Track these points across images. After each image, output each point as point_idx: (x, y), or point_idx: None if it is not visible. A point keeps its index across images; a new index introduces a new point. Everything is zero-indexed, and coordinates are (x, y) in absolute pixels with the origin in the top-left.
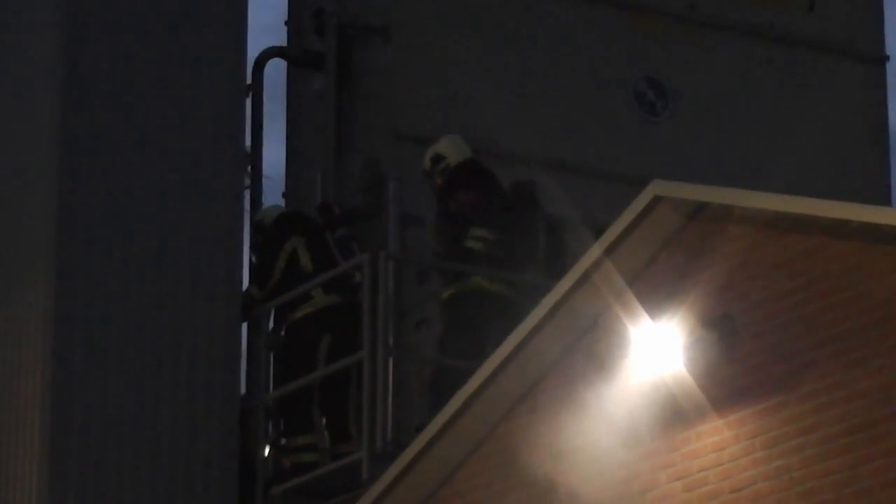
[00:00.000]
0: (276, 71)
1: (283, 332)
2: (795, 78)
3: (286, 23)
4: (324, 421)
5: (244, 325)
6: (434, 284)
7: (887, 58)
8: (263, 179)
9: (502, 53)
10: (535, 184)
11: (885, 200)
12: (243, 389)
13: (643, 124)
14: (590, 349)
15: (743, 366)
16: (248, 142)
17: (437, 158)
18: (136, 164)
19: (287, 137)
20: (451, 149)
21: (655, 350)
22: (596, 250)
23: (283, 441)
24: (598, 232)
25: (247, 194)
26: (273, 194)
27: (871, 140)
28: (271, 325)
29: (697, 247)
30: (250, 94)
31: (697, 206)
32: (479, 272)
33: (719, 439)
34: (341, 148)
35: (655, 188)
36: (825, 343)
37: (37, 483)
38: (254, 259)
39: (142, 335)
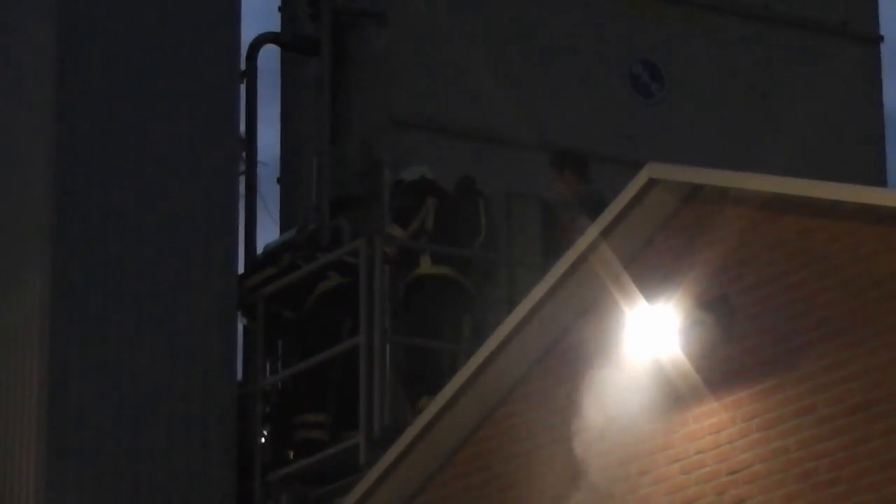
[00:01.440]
0: (270, 57)
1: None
2: (790, 59)
3: (280, 8)
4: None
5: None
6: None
7: (882, 38)
8: (258, 165)
9: (497, 38)
10: (474, 179)
11: (880, 181)
12: (240, 375)
13: (638, 107)
14: (586, 332)
15: (739, 347)
16: (242, 128)
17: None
18: (131, 152)
19: (282, 123)
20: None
21: (652, 332)
22: (592, 233)
23: (292, 418)
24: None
25: (242, 180)
26: (268, 180)
27: (866, 120)
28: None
29: (693, 229)
30: (245, 80)
31: (693, 188)
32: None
33: (716, 421)
34: (336, 134)
35: (651, 171)
36: (822, 324)
37: (34, 472)
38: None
39: (138, 322)
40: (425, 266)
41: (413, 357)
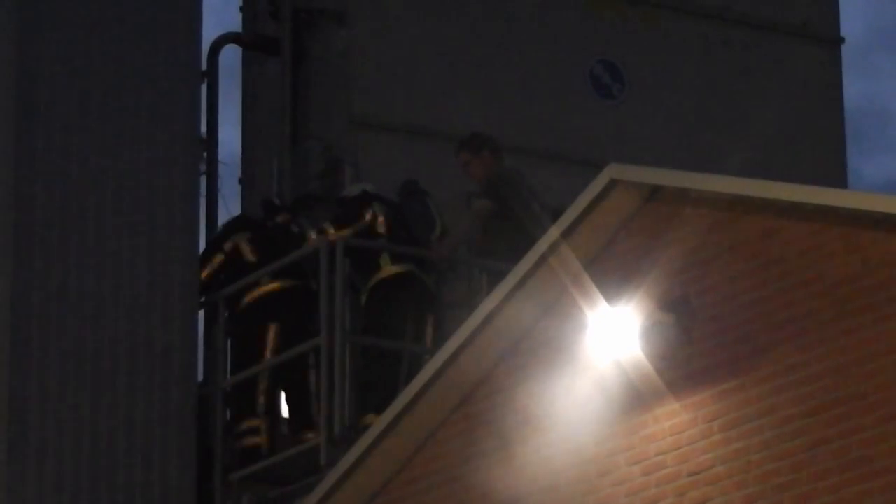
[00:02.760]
0: (231, 56)
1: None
2: (751, 60)
3: (241, 8)
4: (283, 406)
5: (201, 312)
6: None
7: (842, 40)
8: (219, 165)
9: (458, 38)
10: (416, 181)
11: (841, 182)
12: (201, 376)
13: (599, 107)
14: (546, 333)
15: (700, 348)
16: (203, 128)
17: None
18: (90, 151)
19: (243, 123)
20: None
21: (613, 333)
22: (552, 233)
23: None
24: (556, 214)
25: (203, 180)
26: (229, 180)
27: (827, 122)
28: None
29: (654, 230)
30: (206, 80)
31: (653, 189)
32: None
33: (677, 422)
34: (297, 133)
35: (611, 171)
36: (782, 325)
37: None
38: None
39: (98, 321)
40: (386, 267)
41: (369, 365)
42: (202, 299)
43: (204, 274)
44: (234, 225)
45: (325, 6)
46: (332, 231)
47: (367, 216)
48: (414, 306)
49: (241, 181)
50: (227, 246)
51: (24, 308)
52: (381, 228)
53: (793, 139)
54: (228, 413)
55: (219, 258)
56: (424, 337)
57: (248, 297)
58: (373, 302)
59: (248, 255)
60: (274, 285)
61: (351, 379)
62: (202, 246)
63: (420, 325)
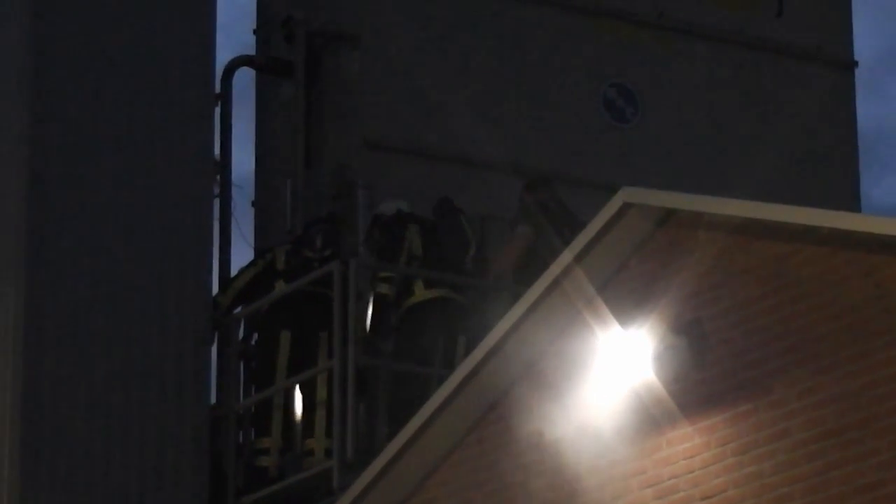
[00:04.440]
0: (245, 79)
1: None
2: (764, 83)
3: (255, 31)
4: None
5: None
6: None
7: (856, 63)
8: (233, 188)
9: (471, 61)
10: (450, 199)
11: (854, 206)
12: (215, 397)
13: (612, 131)
14: (560, 357)
15: (713, 372)
16: (217, 150)
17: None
18: (105, 174)
19: (256, 146)
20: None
21: (625, 357)
22: (566, 257)
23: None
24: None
25: (216, 203)
26: (243, 203)
27: (840, 145)
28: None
29: (667, 253)
30: (219, 103)
31: (666, 212)
32: (445, 278)
33: (690, 446)
34: (310, 156)
35: (625, 195)
36: (795, 349)
37: (7, 497)
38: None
39: (111, 344)
40: (419, 293)
41: (400, 387)
42: (215, 321)
43: (238, 282)
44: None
45: (338, 29)
46: (383, 288)
47: (406, 250)
48: (446, 329)
49: (254, 204)
50: (268, 256)
51: (37, 331)
52: (417, 251)
53: (806, 163)
54: (241, 434)
55: (256, 269)
56: (455, 358)
57: (266, 303)
58: (405, 325)
59: (280, 264)
60: (289, 290)
61: (372, 401)
62: (214, 268)
63: (452, 345)
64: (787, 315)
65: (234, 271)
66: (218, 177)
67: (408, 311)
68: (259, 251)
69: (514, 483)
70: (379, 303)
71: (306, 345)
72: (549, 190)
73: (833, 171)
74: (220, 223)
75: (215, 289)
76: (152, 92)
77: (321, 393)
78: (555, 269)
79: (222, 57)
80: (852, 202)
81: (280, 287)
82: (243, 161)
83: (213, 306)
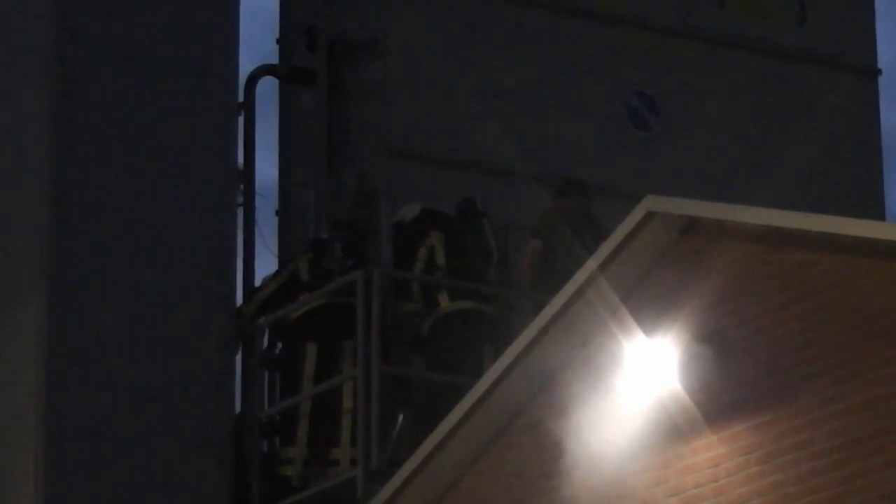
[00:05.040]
0: (268, 88)
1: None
2: (787, 91)
3: (277, 40)
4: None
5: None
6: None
7: (879, 71)
8: (256, 197)
9: (494, 69)
10: (475, 200)
11: (877, 214)
12: (239, 406)
13: (635, 139)
14: (584, 365)
15: (736, 381)
16: (240, 159)
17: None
18: (128, 183)
19: (279, 154)
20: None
21: (649, 366)
22: (590, 266)
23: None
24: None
25: (240, 212)
26: (266, 212)
27: (864, 153)
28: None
29: (690, 262)
30: (242, 112)
31: (690, 221)
32: (469, 289)
33: (714, 455)
34: (333, 164)
35: (648, 204)
36: (819, 357)
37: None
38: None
39: (135, 353)
40: (445, 304)
41: (427, 397)
42: (240, 330)
43: (262, 293)
44: (306, 248)
45: (360, 38)
46: (408, 306)
47: (423, 252)
48: (473, 339)
49: (277, 213)
50: (290, 266)
51: (60, 340)
52: (441, 261)
53: (829, 170)
54: (266, 443)
55: (280, 279)
56: (483, 367)
57: (292, 316)
58: (434, 336)
59: (303, 274)
60: (316, 303)
61: (396, 410)
62: (238, 277)
63: (478, 355)
64: (810, 324)
65: (258, 280)
66: (241, 186)
67: (435, 322)
68: (282, 262)
69: (540, 491)
70: (405, 316)
71: (331, 355)
72: (576, 195)
73: (856, 178)
74: (244, 232)
75: (239, 298)
76: (175, 101)
77: (346, 402)
78: (579, 277)
79: (245, 66)
80: (876, 209)
81: (305, 299)
82: (266, 170)
83: (237, 315)
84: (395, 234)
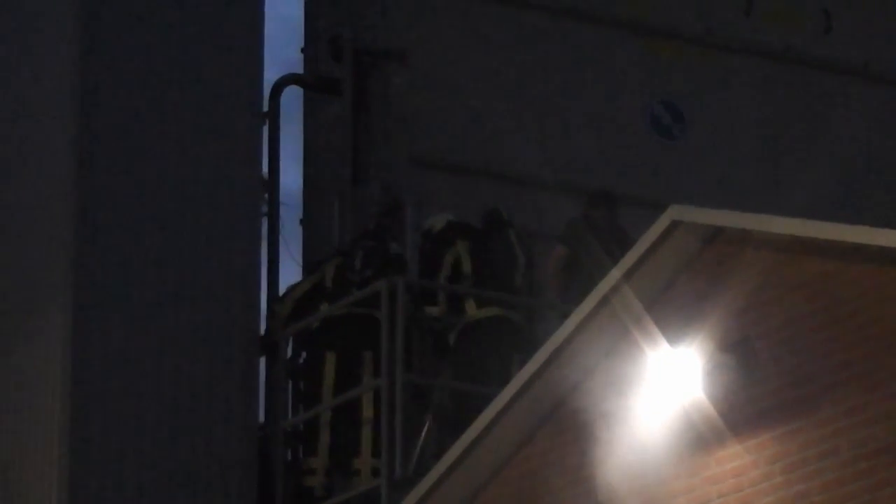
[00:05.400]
0: (292, 97)
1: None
2: (812, 100)
3: (302, 49)
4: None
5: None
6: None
7: None
8: (281, 206)
9: (519, 78)
10: (500, 210)
11: None
12: (263, 415)
13: (660, 148)
14: (609, 374)
15: (761, 390)
16: (265, 168)
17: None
18: (153, 192)
19: (304, 163)
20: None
21: (674, 375)
22: (615, 275)
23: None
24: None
25: (264, 221)
26: (291, 221)
27: (889, 161)
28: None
29: (715, 271)
30: (267, 121)
31: (715, 230)
32: (496, 297)
33: (739, 465)
34: (358, 173)
35: (673, 213)
36: (844, 367)
37: None
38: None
39: (159, 364)
40: (472, 312)
41: (456, 406)
42: (264, 339)
43: (296, 292)
44: (336, 251)
45: (386, 47)
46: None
47: (448, 259)
48: (501, 348)
49: (301, 222)
50: (320, 271)
51: (84, 350)
52: (466, 268)
53: (855, 179)
54: (290, 452)
55: (312, 281)
56: (510, 376)
57: (313, 324)
58: (461, 344)
59: (328, 282)
60: (334, 312)
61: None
62: (263, 286)
63: (506, 364)
64: (835, 333)
65: (282, 289)
66: (266, 195)
67: (462, 330)
68: (314, 263)
69: (564, 500)
70: (429, 324)
71: (351, 365)
72: (604, 207)
73: (883, 187)
74: (268, 241)
75: (264, 307)
76: (200, 111)
77: (366, 411)
78: (603, 286)
79: (270, 75)
80: None
81: (325, 308)
82: (291, 179)
83: (271, 315)
84: (423, 243)
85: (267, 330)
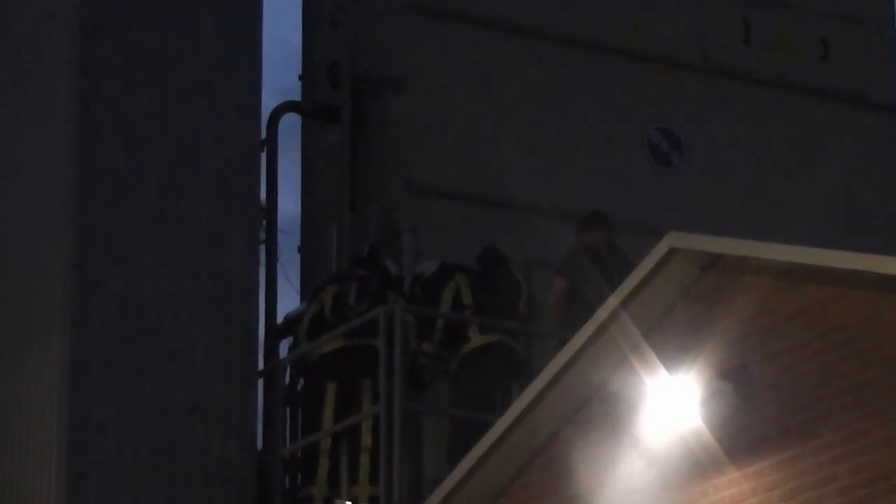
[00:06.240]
0: (290, 124)
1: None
2: (809, 127)
3: (300, 77)
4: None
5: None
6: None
7: None
8: (278, 233)
9: (516, 105)
10: (496, 247)
11: None
12: (261, 443)
13: (658, 175)
14: (606, 401)
15: (759, 417)
16: (263, 196)
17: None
18: (151, 220)
19: (302, 191)
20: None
21: (672, 402)
22: (612, 302)
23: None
24: None
25: (262, 248)
26: (289, 248)
27: (886, 189)
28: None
29: (713, 298)
30: (265, 148)
31: (712, 257)
32: (498, 325)
33: (737, 491)
34: (356, 201)
35: (671, 240)
36: (841, 394)
37: None
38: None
39: (157, 391)
40: (475, 338)
41: (458, 433)
42: (262, 367)
43: (300, 329)
44: (334, 277)
45: (383, 74)
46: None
47: (448, 294)
48: (503, 374)
49: (299, 249)
50: (319, 298)
51: (83, 378)
52: (467, 300)
53: (852, 206)
54: (288, 480)
55: (311, 311)
56: (509, 403)
57: (314, 357)
58: (463, 371)
59: (327, 312)
60: (335, 344)
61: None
62: (261, 313)
63: (507, 392)
64: (833, 360)
65: (279, 317)
66: (264, 222)
67: (464, 357)
68: (314, 290)
69: None
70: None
71: (351, 394)
72: (599, 229)
73: (880, 214)
74: (266, 268)
75: (261, 333)
76: (199, 138)
77: (365, 439)
78: (601, 313)
79: (267, 102)
80: None
81: (325, 339)
82: (289, 206)
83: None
84: (414, 287)
85: (265, 358)
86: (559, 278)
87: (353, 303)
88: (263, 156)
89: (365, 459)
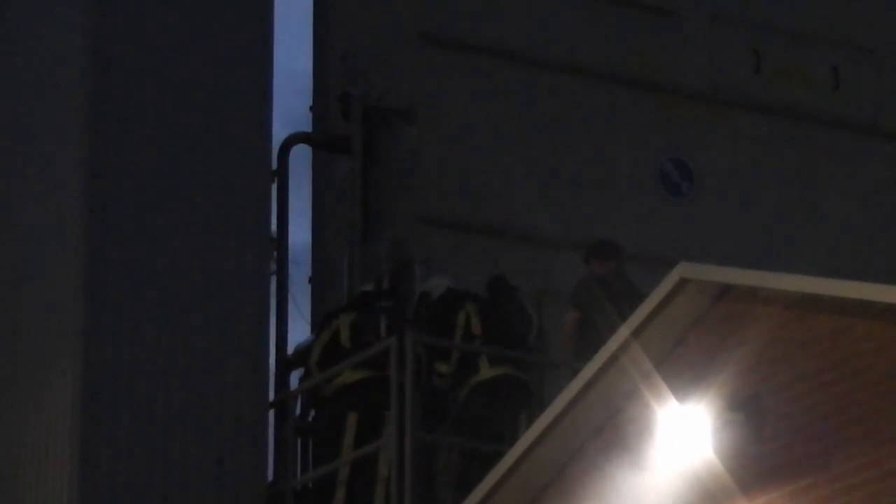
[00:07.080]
0: (301, 154)
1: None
2: (821, 157)
3: (311, 108)
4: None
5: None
6: None
7: None
8: (289, 264)
9: (527, 136)
10: (504, 276)
11: None
12: (272, 474)
13: (669, 205)
14: (617, 432)
15: (771, 447)
16: (273, 227)
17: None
18: (163, 251)
19: (313, 221)
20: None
21: (683, 432)
22: (623, 332)
23: None
24: None
25: (273, 279)
26: (299, 280)
27: None
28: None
29: (724, 328)
30: (276, 180)
31: (724, 287)
32: (500, 353)
33: None
34: (367, 231)
35: (682, 270)
36: (854, 423)
37: None
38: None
39: (168, 422)
40: (485, 370)
41: (466, 464)
42: (272, 398)
43: (311, 359)
44: (347, 304)
45: (394, 105)
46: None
47: (462, 319)
48: (511, 406)
49: (310, 280)
50: (333, 325)
51: (94, 406)
52: (476, 329)
53: (863, 236)
54: None
55: (323, 339)
56: (518, 435)
57: (331, 387)
58: (471, 402)
59: (344, 340)
60: (356, 376)
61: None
62: (272, 344)
63: (514, 422)
64: (844, 389)
65: (290, 347)
66: (275, 253)
67: (473, 388)
68: (325, 316)
69: None
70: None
71: (373, 425)
72: (608, 258)
73: (891, 244)
74: (277, 299)
75: (273, 364)
76: (209, 169)
77: (382, 470)
78: (612, 344)
79: (278, 132)
80: None
81: (344, 371)
82: (300, 237)
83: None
84: (420, 303)
85: (276, 389)
86: (573, 310)
87: (385, 334)
88: (274, 186)
89: (380, 490)
